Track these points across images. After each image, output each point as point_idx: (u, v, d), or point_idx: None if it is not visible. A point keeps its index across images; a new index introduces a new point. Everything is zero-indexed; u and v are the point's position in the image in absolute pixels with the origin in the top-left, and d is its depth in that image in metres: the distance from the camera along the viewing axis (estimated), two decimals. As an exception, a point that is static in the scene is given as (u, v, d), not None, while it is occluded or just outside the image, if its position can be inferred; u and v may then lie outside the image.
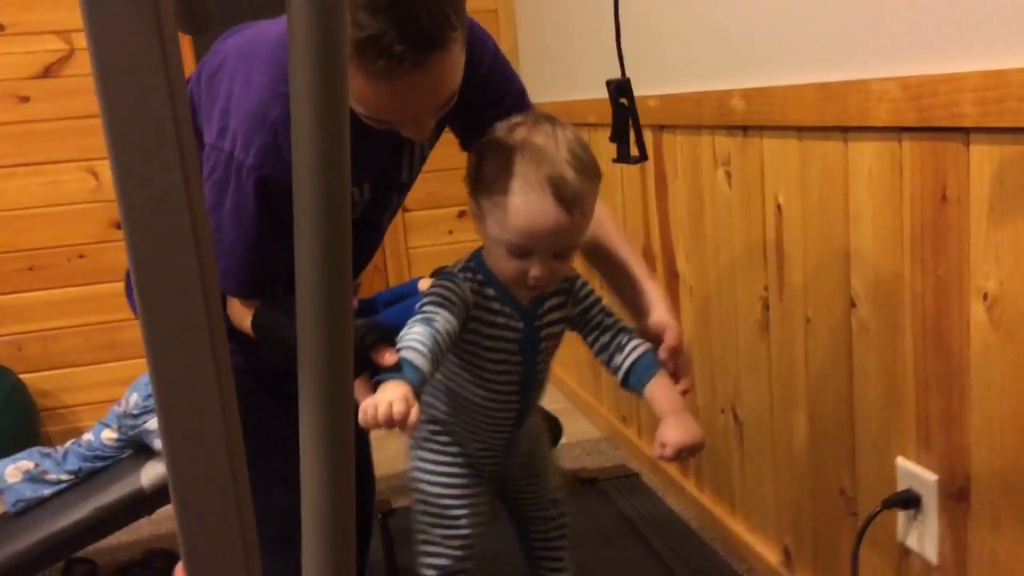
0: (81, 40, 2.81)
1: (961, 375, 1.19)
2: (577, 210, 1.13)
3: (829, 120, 1.38)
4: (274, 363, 1.14)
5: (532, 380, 1.30)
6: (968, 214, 1.14)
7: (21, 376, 2.82)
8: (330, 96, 0.48)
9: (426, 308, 1.16)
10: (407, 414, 0.98)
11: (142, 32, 0.43)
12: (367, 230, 1.41)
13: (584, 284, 1.31)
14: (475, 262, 1.24)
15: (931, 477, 1.27)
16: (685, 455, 1.20)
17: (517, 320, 1.24)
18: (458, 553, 1.34)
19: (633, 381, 1.27)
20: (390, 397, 0.99)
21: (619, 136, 0.95)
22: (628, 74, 1.11)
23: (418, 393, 1.04)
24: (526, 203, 1.12)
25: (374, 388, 1.04)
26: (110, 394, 2.86)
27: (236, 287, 1.22)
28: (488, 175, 1.15)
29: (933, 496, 1.27)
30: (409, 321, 1.14)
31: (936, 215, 1.20)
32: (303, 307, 0.51)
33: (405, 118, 1.12)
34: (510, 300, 1.23)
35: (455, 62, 1.08)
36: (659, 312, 1.28)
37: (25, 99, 2.79)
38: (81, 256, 2.90)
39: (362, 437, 1.60)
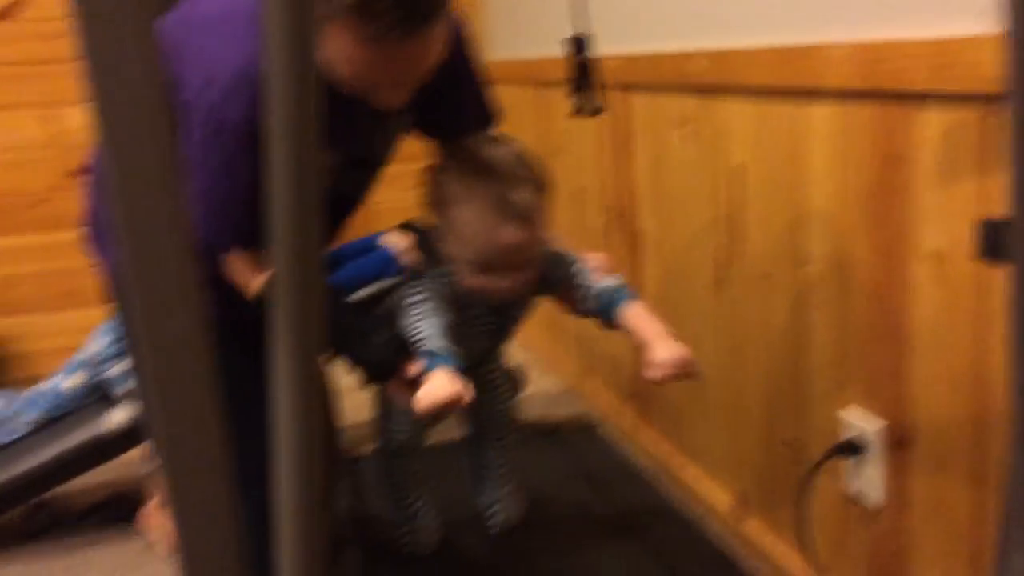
0: (38, -18, 2.75)
1: (906, 329, 1.25)
2: (532, 224, 1.22)
3: (786, 83, 1.41)
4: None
5: (504, 334, 1.44)
6: (916, 176, 1.19)
7: (-21, 323, 2.80)
8: (300, 57, 0.50)
9: (426, 303, 1.26)
10: (461, 391, 1.12)
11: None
12: (340, 202, 1.42)
13: (550, 272, 1.37)
14: (442, 269, 1.33)
15: (875, 426, 1.34)
16: (681, 375, 1.23)
17: (488, 315, 1.36)
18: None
19: (604, 313, 1.32)
20: (442, 381, 1.12)
21: (578, 90, 0.99)
22: (592, 32, 1.15)
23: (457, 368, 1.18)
24: (483, 225, 1.19)
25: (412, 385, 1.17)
26: (70, 342, 2.83)
27: (232, 240, 1.22)
28: (446, 199, 1.24)
29: (877, 444, 1.34)
30: (417, 314, 1.25)
31: (885, 177, 1.25)
32: (277, 261, 0.53)
33: (387, 84, 1.15)
34: (481, 301, 1.33)
35: (441, 35, 1.12)
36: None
37: (-20, 41, 2.73)
38: (38, 203, 2.87)
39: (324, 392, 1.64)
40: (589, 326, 2.04)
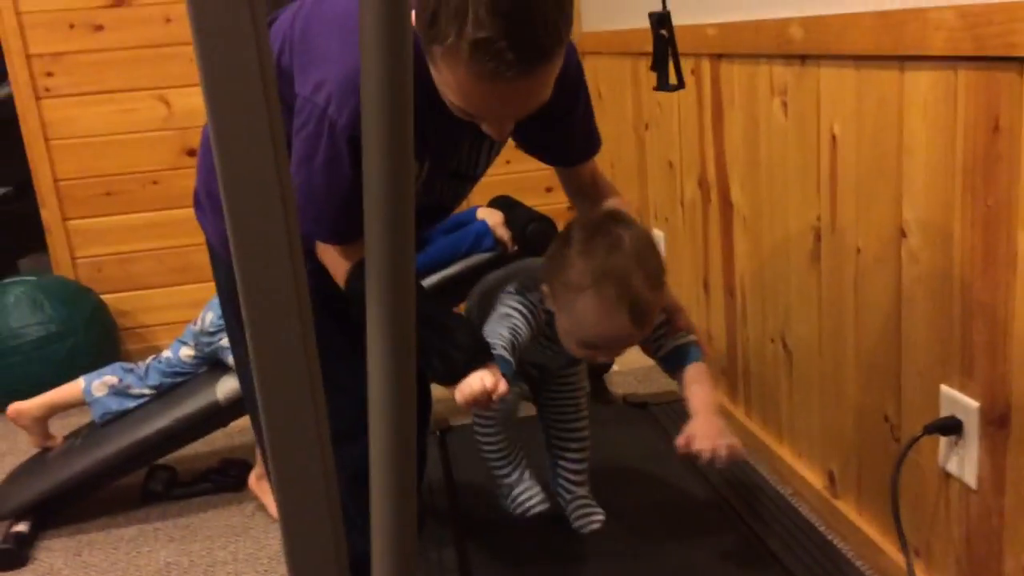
0: (152, -30, 2.88)
1: (1007, 305, 1.21)
2: (646, 322, 1.30)
3: (886, 49, 1.37)
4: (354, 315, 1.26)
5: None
6: (1020, 145, 1.15)
7: (102, 296, 2.97)
8: (396, 77, 0.52)
9: (513, 316, 1.36)
10: (495, 385, 1.18)
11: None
12: (434, 210, 1.45)
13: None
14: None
15: (973, 404, 1.30)
16: (715, 459, 1.29)
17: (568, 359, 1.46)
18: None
19: (670, 369, 1.43)
20: (478, 376, 1.19)
21: (659, 65, 0.99)
22: (671, 9, 1.15)
23: (507, 377, 1.23)
24: (598, 318, 1.27)
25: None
26: (184, 315, 3.00)
27: (329, 234, 1.27)
28: (568, 279, 1.28)
29: (974, 423, 1.30)
30: (499, 321, 1.35)
31: (988, 146, 1.20)
32: (371, 258, 0.56)
33: (495, 117, 1.16)
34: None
35: (554, 72, 1.12)
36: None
37: (99, 28, 2.88)
38: (155, 182, 3.02)
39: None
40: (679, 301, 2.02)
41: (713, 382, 1.40)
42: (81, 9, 2.85)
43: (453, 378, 1.22)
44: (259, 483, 2.08)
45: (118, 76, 2.92)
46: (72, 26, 2.85)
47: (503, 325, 1.34)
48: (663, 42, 0.96)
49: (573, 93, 1.36)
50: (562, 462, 1.66)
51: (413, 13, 1.14)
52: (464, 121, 1.18)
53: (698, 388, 1.37)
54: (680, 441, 1.30)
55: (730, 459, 1.29)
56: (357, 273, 1.24)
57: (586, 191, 1.52)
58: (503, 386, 1.19)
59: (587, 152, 1.48)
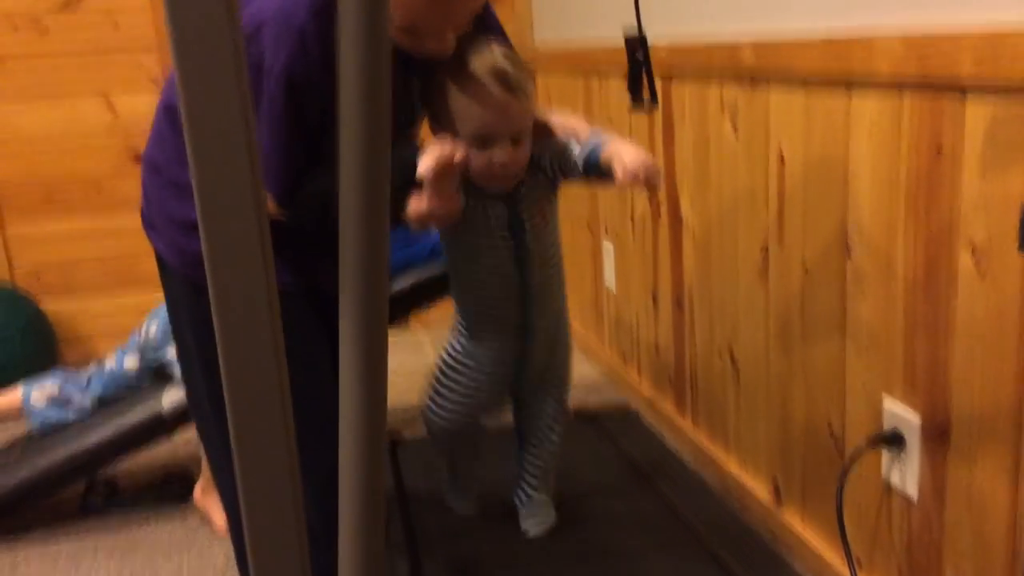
0: (99, -27, 2.83)
1: (947, 321, 1.25)
2: (521, 92, 1.35)
3: (834, 73, 1.42)
4: (308, 224, 1.27)
5: (526, 259, 1.48)
6: (961, 168, 1.19)
7: (40, 303, 2.90)
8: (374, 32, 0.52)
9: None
10: (452, 150, 1.24)
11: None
12: None
13: (543, 154, 1.46)
14: None
15: (915, 417, 1.34)
16: (646, 177, 1.29)
17: (502, 208, 1.45)
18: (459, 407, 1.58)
19: (588, 168, 1.40)
20: (434, 147, 1.25)
21: (634, 85, 1.02)
22: (639, 16, 1.19)
23: None
24: (476, 92, 1.34)
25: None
26: (125, 323, 2.93)
27: (270, 186, 1.26)
28: (442, 85, 1.36)
29: (916, 435, 1.34)
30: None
31: (931, 168, 1.25)
32: (345, 217, 0.56)
33: (442, 26, 1.22)
34: (490, 195, 1.44)
35: None
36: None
37: (44, 31, 2.82)
38: (98, 187, 2.96)
39: None
40: (627, 314, 2.05)
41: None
42: (26, 12, 2.79)
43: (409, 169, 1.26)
44: (204, 496, 2.04)
45: (62, 80, 2.87)
46: (16, 28, 2.79)
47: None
48: (638, 64, 0.99)
49: (490, 22, 1.45)
50: (528, 458, 1.70)
51: None
52: (397, 60, 1.20)
53: (613, 146, 1.36)
54: (617, 171, 1.30)
55: (650, 177, 1.29)
56: (315, 182, 1.26)
57: None
58: (461, 151, 1.26)
59: None
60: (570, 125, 1.50)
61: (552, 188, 1.50)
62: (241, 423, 0.56)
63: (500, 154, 1.36)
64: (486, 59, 1.34)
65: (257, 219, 0.52)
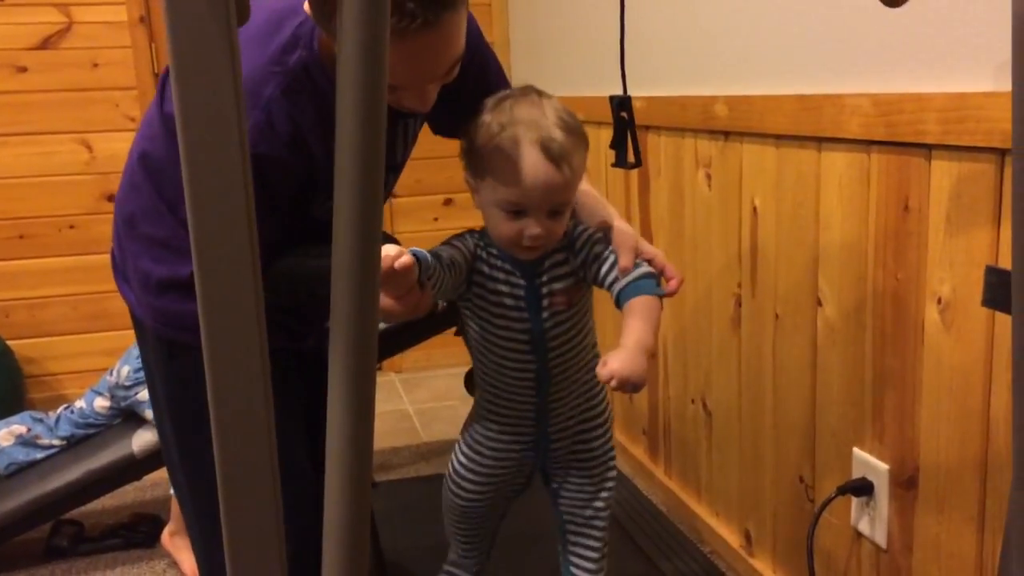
0: (80, 13, 2.85)
1: (914, 373, 1.29)
2: (566, 166, 1.22)
3: (805, 130, 1.47)
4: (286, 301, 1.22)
5: (542, 339, 1.33)
6: (927, 224, 1.24)
7: (8, 342, 2.86)
8: (372, 88, 0.54)
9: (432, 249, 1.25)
10: (399, 255, 1.09)
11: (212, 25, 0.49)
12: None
13: (582, 231, 1.35)
14: (480, 232, 1.33)
15: (883, 466, 1.37)
16: (623, 387, 1.17)
17: (518, 277, 1.31)
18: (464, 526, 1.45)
19: (621, 303, 1.31)
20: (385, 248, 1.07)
21: (618, 144, 1.04)
22: (615, 73, 1.20)
23: (421, 266, 1.15)
24: (518, 161, 1.21)
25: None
26: (95, 363, 2.91)
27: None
28: (482, 140, 1.24)
29: (884, 484, 1.37)
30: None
31: (898, 223, 1.29)
32: (338, 272, 0.57)
33: (413, 83, 1.16)
34: (511, 260, 1.31)
35: (462, 24, 1.13)
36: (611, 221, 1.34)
37: (23, 69, 2.83)
38: (71, 227, 2.94)
39: None
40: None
41: (656, 317, 1.27)
42: (5, 50, 2.80)
43: None
44: (172, 539, 2.02)
45: (40, 118, 2.87)
46: (-6, 66, 2.80)
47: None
48: (623, 123, 1.02)
49: (481, 57, 1.37)
50: (576, 550, 1.47)
51: (306, 3, 1.16)
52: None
53: (631, 321, 1.26)
54: (599, 369, 1.17)
55: (627, 390, 1.18)
56: (307, 253, 1.22)
57: None
58: (406, 257, 1.11)
59: None
60: (623, 238, 1.34)
61: (579, 277, 1.36)
62: (231, 490, 0.57)
63: (533, 227, 1.24)
64: (535, 123, 1.23)
65: (253, 279, 0.54)
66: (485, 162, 1.24)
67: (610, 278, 1.31)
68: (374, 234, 0.57)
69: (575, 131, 1.25)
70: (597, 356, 1.40)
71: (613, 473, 1.46)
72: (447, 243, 1.30)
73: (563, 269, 1.34)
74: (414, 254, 1.16)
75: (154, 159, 1.30)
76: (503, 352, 1.34)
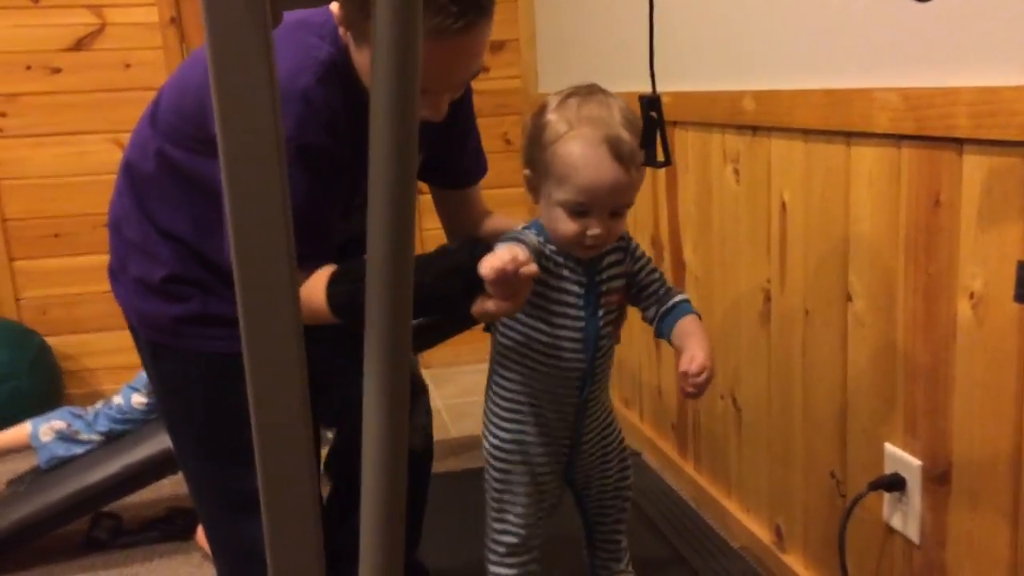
0: (112, 15, 2.90)
1: (946, 368, 1.28)
2: (633, 167, 1.23)
3: (834, 125, 1.46)
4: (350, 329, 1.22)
5: (595, 337, 1.35)
6: (959, 219, 1.23)
7: (46, 338, 2.92)
8: (405, 90, 0.56)
9: (510, 239, 1.25)
10: (518, 253, 1.09)
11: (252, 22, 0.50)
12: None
13: (637, 244, 1.39)
14: (535, 227, 1.33)
15: (915, 462, 1.36)
16: (707, 382, 1.26)
17: (580, 274, 1.32)
18: (520, 530, 1.42)
19: (663, 329, 1.36)
20: (502, 249, 1.09)
21: (648, 143, 1.05)
22: (641, 69, 1.21)
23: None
24: (586, 161, 1.21)
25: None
26: (130, 360, 2.94)
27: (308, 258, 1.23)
28: (548, 139, 1.24)
29: (917, 480, 1.37)
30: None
31: (929, 218, 1.28)
32: (372, 280, 0.59)
33: (438, 87, 1.18)
34: (571, 258, 1.32)
35: (488, 37, 1.17)
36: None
37: (57, 71, 2.88)
38: (106, 225, 2.98)
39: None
40: (629, 358, 2.07)
41: (706, 332, 1.34)
42: (40, 51, 2.85)
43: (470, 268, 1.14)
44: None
45: (73, 119, 2.92)
46: (29, 67, 2.85)
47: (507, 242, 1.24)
48: (652, 123, 1.03)
49: (469, 110, 1.43)
50: (601, 544, 1.56)
51: (336, 4, 1.18)
52: None
53: (694, 330, 1.33)
54: (688, 365, 1.26)
55: (704, 388, 1.27)
56: (338, 281, 1.19)
57: (469, 216, 1.55)
58: (533, 265, 1.11)
59: (480, 171, 1.53)
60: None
61: (629, 280, 1.40)
62: (272, 496, 0.58)
63: (595, 226, 1.24)
64: (603, 122, 1.22)
65: (289, 281, 0.55)
66: (550, 161, 1.24)
67: (653, 290, 1.38)
68: (407, 230, 0.59)
69: (638, 129, 1.23)
70: (613, 351, 1.44)
71: (629, 461, 1.54)
72: (514, 239, 1.27)
73: (619, 269, 1.37)
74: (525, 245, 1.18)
75: (136, 170, 1.37)
76: (554, 352, 1.34)
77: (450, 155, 1.47)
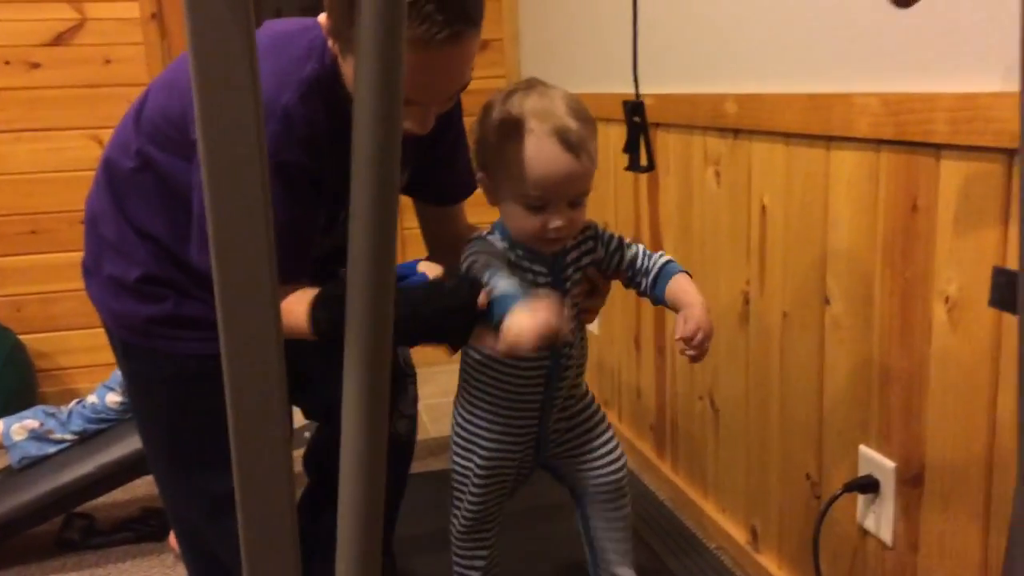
0: (93, 10, 2.87)
1: (921, 371, 1.29)
2: (584, 154, 1.22)
3: (814, 129, 1.47)
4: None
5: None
6: (936, 223, 1.24)
7: (20, 336, 2.88)
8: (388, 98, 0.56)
9: (481, 262, 1.24)
10: (549, 317, 1.07)
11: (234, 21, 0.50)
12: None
13: (604, 229, 1.38)
14: (498, 228, 1.32)
15: (889, 464, 1.37)
16: (706, 340, 1.25)
17: (545, 272, 1.31)
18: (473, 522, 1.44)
19: (657, 296, 1.34)
20: (522, 314, 1.08)
21: (631, 148, 1.05)
22: (624, 71, 1.21)
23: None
24: (536, 154, 1.20)
25: (497, 327, 1.12)
26: (106, 358, 2.89)
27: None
28: (496, 138, 1.24)
29: (890, 482, 1.38)
30: (485, 274, 1.22)
31: (907, 223, 1.29)
32: (353, 287, 0.58)
33: (424, 98, 1.16)
34: (534, 255, 1.30)
35: (476, 49, 1.15)
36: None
37: (35, 65, 2.85)
38: (83, 221, 2.96)
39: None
40: (608, 358, 2.07)
41: (696, 288, 1.32)
42: (18, 46, 2.82)
43: (467, 328, 1.16)
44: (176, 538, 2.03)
45: (52, 114, 2.88)
46: (7, 62, 2.81)
47: (477, 264, 1.24)
48: (636, 128, 1.03)
49: (458, 127, 1.42)
50: (605, 542, 1.51)
51: (324, 16, 1.17)
52: None
53: (685, 287, 1.31)
54: (684, 328, 1.25)
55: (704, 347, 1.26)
56: (323, 306, 1.19)
57: (450, 232, 1.54)
58: (560, 319, 1.09)
59: (465, 191, 1.52)
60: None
61: (600, 265, 1.38)
62: (248, 497, 0.58)
63: (556, 219, 1.24)
64: (548, 113, 1.21)
65: (270, 287, 0.55)
66: (500, 158, 1.24)
67: (638, 265, 1.36)
68: (389, 239, 0.58)
69: (587, 118, 1.25)
70: (585, 338, 1.43)
71: (612, 431, 1.49)
72: (485, 252, 1.26)
73: (588, 259, 1.36)
74: (511, 296, 1.15)
75: (116, 167, 1.36)
76: None
77: (435, 172, 1.46)
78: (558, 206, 1.24)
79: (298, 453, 1.69)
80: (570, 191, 1.24)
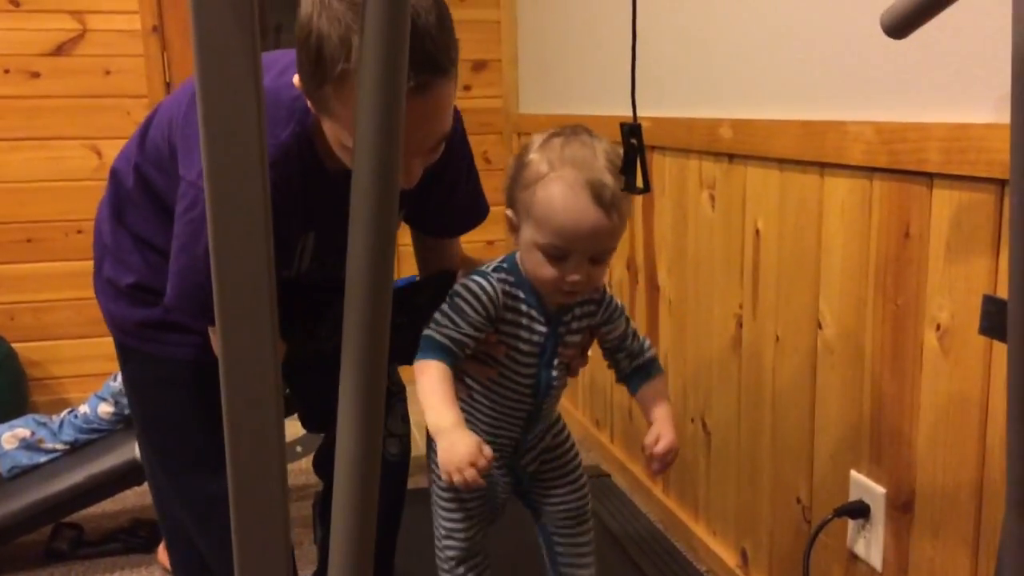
0: (94, 21, 2.89)
1: (912, 397, 1.30)
2: (615, 213, 1.19)
3: (808, 155, 1.48)
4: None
5: (545, 387, 1.33)
6: (927, 251, 1.25)
7: (13, 345, 2.88)
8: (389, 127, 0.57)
9: (452, 306, 1.25)
10: (483, 463, 1.13)
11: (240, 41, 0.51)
12: (329, 284, 1.30)
13: (612, 297, 1.36)
14: (509, 264, 1.29)
15: (880, 489, 1.38)
16: (673, 458, 1.31)
17: (542, 325, 1.28)
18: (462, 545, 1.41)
19: (632, 386, 1.38)
20: (451, 447, 1.14)
21: (628, 170, 1.06)
22: (621, 94, 1.22)
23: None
24: (565, 204, 1.17)
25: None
26: (98, 368, 2.93)
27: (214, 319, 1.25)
28: (529, 179, 1.21)
29: (881, 507, 1.38)
30: (428, 336, 1.24)
31: (899, 250, 1.31)
32: (350, 311, 0.59)
33: (404, 155, 1.13)
34: (538, 305, 1.28)
35: (451, 96, 1.10)
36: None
37: (36, 75, 2.86)
38: (79, 231, 2.96)
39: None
40: (601, 379, 2.07)
41: (666, 392, 1.39)
42: (19, 55, 2.83)
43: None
44: (166, 554, 2.02)
45: (51, 124, 2.89)
46: (8, 71, 2.82)
47: (450, 305, 1.26)
48: (633, 150, 1.04)
49: (457, 164, 1.38)
50: (560, 550, 1.47)
51: (296, 76, 1.16)
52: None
53: (659, 400, 1.35)
54: (657, 447, 1.29)
55: (664, 466, 1.30)
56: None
57: (443, 261, 1.55)
58: (484, 456, 1.13)
59: (463, 227, 1.52)
60: None
61: (593, 330, 1.36)
62: (241, 498, 0.58)
63: (574, 272, 1.20)
64: (587, 165, 1.18)
65: (268, 290, 0.55)
66: (530, 202, 1.21)
67: (626, 344, 1.36)
68: (387, 256, 0.59)
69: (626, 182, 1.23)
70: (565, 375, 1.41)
71: (579, 460, 1.48)
72: (470, 298, 1.25)
73: (585, 322, 1.34)
74: (435, 354, 1.21)
75: (119, 179, 1.42)
76: (502, 392, 1.33)
77: (431, 212, 1.45)
78: (579, 260, 1.20)
79: (305, 462, 1.69)
80: (594, 246, 1.20)
